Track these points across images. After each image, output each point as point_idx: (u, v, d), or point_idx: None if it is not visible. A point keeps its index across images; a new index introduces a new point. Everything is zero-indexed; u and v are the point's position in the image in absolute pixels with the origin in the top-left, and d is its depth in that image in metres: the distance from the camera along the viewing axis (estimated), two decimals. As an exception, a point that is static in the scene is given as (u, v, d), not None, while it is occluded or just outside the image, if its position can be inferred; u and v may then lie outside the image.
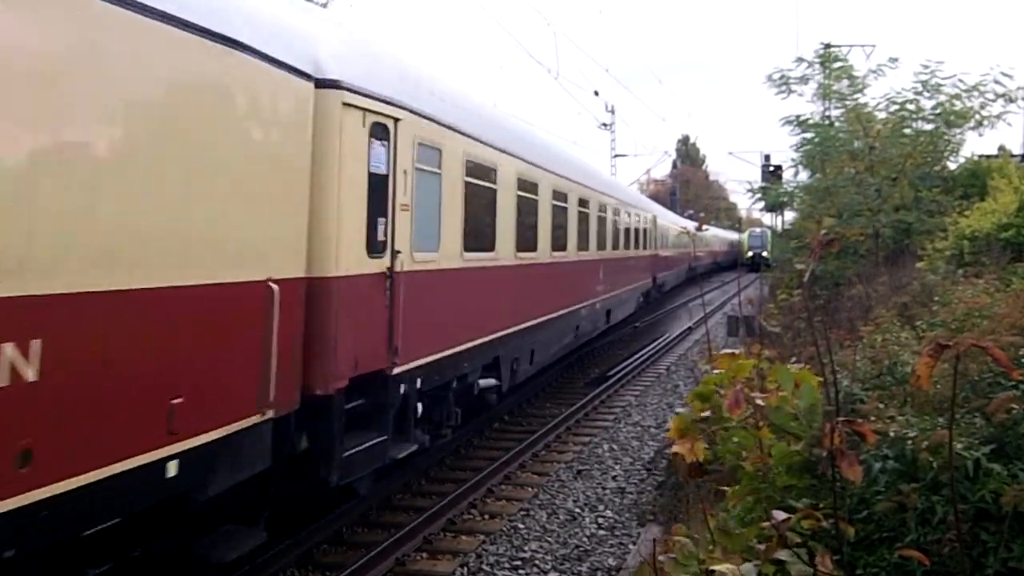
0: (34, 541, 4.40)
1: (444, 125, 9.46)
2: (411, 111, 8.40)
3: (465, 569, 8.07)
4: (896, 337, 6.59)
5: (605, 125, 53.54)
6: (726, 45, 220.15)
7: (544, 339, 14.17)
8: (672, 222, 36.92)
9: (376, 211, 7.64)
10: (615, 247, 21.20)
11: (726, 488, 3.38)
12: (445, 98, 9.94)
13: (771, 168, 30.22)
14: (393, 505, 9.65)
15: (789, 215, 29.19)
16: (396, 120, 8.03)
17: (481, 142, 10.93)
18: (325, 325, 6.91)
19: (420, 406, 8.80)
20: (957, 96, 16.76)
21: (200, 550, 6.10)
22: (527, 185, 13.26)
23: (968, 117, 17.05)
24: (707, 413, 3.12)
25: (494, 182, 11.51)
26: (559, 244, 15.22)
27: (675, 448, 3.03)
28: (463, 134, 10.14)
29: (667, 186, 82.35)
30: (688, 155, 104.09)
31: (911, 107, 17.29)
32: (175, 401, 5.17)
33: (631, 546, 8.57)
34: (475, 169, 10.68)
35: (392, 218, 7.92)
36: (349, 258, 7.23)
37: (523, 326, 12.73)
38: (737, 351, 3.51)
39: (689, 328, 27.11)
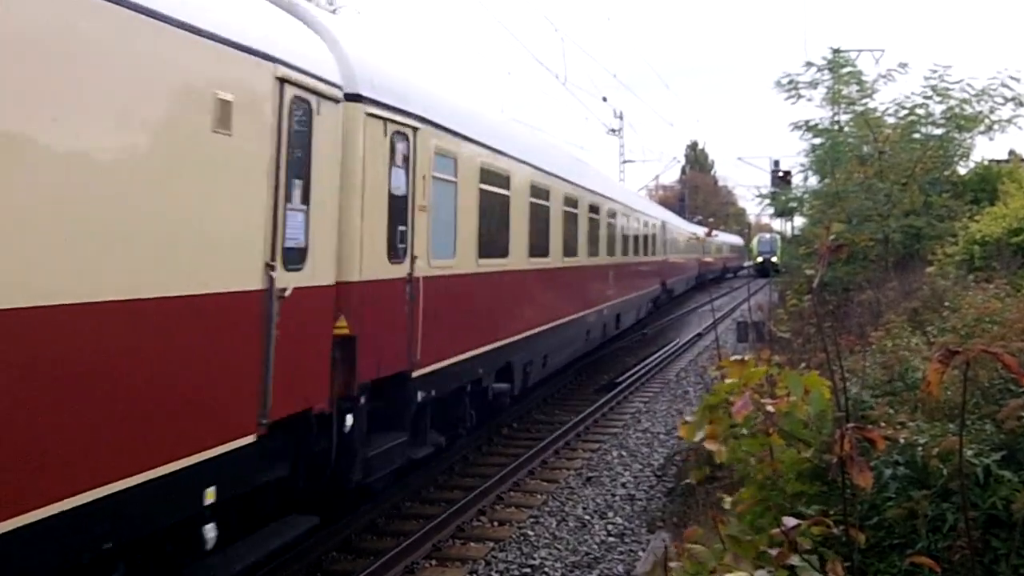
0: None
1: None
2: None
3: (475, 576, 8.07)
4: (906, 343, 6.57)
5: (613, 131, 53.62)
6: (733, 50, 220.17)
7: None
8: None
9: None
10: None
11: (727, 496, 3.38)
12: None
13: (780, 174, 30.15)
14: (402, 512, 9.65)
15: (798, 221, 29.12)
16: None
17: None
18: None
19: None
20: (966, 100, 16.71)
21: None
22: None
23: (978, 121, 16.99)
24: (714, 424, 3.13)
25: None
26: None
27: (708, 444, 3.07)
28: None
29: (676, 192, 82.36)
30: (697, 160, 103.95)
31: (920, 112, 17.25)
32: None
33: (641, 553, 8.55)
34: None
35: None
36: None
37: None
38: (747, 357, 3.51)
39: (699, 334, 27.06)
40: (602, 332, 18.99)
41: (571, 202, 15.82)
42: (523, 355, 12.53)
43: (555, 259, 14.56)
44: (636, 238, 23.77)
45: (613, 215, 20.15)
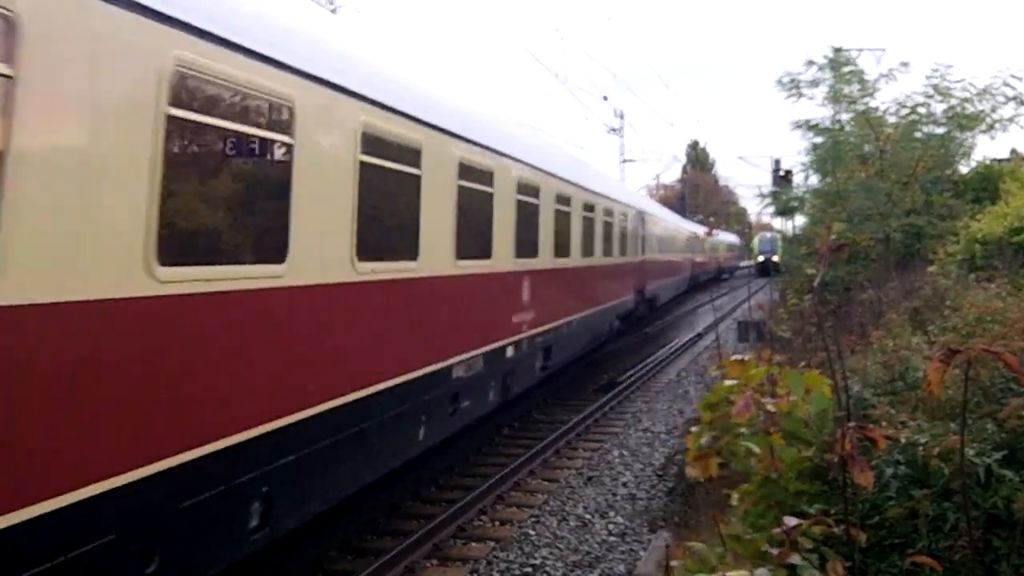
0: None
1: None
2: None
3: (475, 576, 8.07)
4: (907, 342, 6.57)
5: (614, 130, 53.63)
6: (733, 50, 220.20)
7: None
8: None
9: None
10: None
11: (731, 492, 3.38)
12: None
13: (781, 173, 30.14)
14: (402, 512, 9.65)
15: (799, 220, 29.11)
16: None
17: None
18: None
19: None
20: (968, 99, 16.71)
21: None
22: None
23: (979, 120, 16.99)
24: (716, 424, 3.12)
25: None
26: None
27: (689, 471, 3.05)
28: None
29: (676, 191, 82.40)
30: (697, 160, 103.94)
31: (922, 111, 17.25)
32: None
33: (642, 552, 8.55)
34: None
35: None
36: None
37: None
38: (747, 357, 3.50)
39: (699, 334, 27.05)
40: (500, 387, 11.18)
41: (417, 157, 8.15)
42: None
43: (363, 268, 7.00)
44: (591, 231, 17.01)
45: (534, 192, 12.52)
